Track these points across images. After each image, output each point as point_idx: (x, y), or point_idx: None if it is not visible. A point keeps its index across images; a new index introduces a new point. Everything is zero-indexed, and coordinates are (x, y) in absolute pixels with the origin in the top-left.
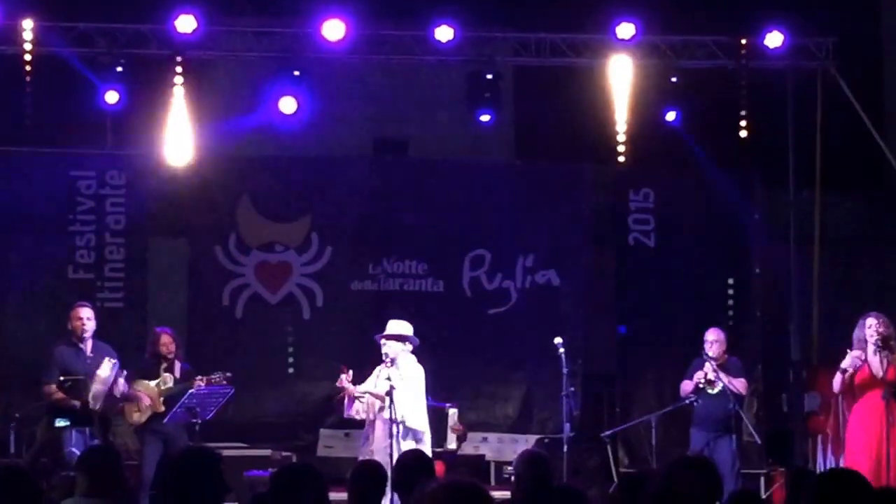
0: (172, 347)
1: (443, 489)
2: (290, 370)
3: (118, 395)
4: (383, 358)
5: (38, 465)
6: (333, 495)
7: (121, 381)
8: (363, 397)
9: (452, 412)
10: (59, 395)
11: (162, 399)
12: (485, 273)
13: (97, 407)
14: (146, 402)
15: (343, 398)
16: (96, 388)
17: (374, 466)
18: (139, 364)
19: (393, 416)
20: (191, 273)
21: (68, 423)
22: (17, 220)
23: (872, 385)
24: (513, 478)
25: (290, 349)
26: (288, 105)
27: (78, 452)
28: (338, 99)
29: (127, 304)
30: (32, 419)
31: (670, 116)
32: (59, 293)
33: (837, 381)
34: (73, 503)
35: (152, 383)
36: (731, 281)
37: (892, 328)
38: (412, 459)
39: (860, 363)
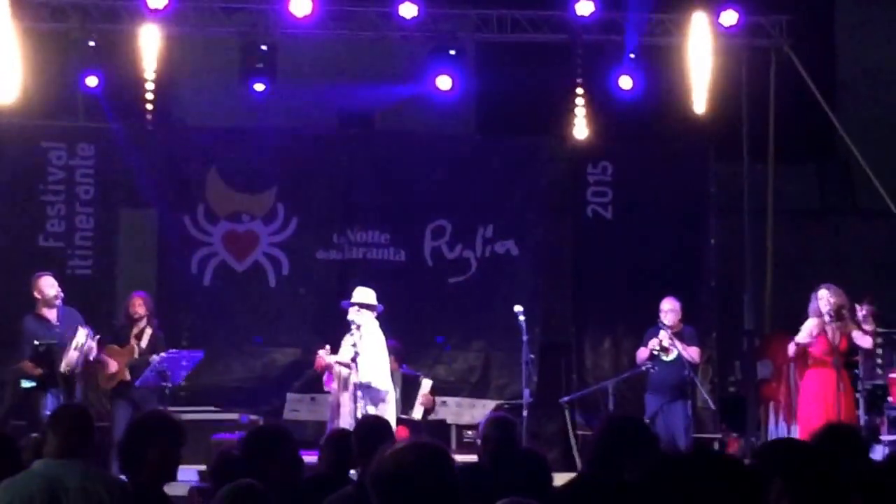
0: (142, 310)
1: (405, 450)
2: (257, 336)
3: (91, 360)
4: (350, 323)
5: (7, 427)
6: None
7: (94, 345)
8: (334, 370)
9: (426, 383)
10: (32, 367)
11: (127, 368)
12: (446, 243)
13: (73, 371)
14: (112, 368)
15: (323, 374)
16: (71, 354)
17: (347, 435)
18: (112, 328)
19: (358, 381)
20: (160, 242)
21: (34, 384)
22: None
23: (826, 354)
24: (479, 440)
25: (257, 316)
26: (257, 85)
27: None
28: (305, 73)
29: (96, 272)
30: (3, 383)
31: (625, 83)
32: (30, 261)
33: (791, 348)
34: (43, 464)
35: (123, 349)
36: (686, 251)
37: (844, 298)
38: (371, 426)
39: (814, 338)
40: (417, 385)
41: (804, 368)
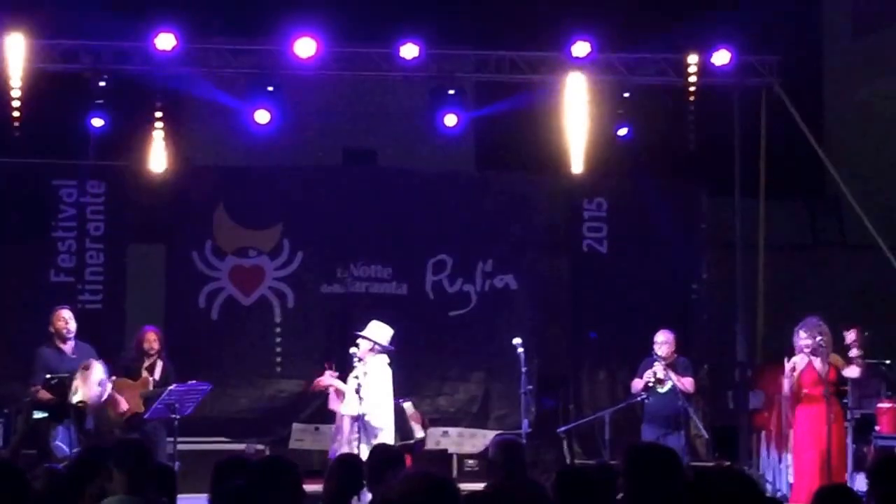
0: (156, 346)
1: (414, 480)
2: (264, 368)
3: (103, 399)
4: (351, 355)
5: (19, 457)
6: (305, 487)
7: (108, 385)
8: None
9: (407, 405)
10: (44, 393)
11: (142, 400)
12: (446, 277)
13: (90, 406)
14: (123, 407)
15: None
16: (93, 390)
17: (353, 460)
18: (122, 360)
19: (357, 413)
20: (168, 276)
21: (45, 415)
22: (3, 225)
23: (814, 386)
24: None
25: (264, 348)
26: (262, 117)
27: (64, 446)
28: (309, 112)
29: (106, 306)
30: (17, 414)
31: (621, 132)
32: (42, 295)
33: (786, 385)
34: (117, 501)
35: (135, 383)
36: (679, 284)
37: (820, 336)
38: (382, 453)
39: (800, 372)
40: (402, 411)
41: (795, 400)
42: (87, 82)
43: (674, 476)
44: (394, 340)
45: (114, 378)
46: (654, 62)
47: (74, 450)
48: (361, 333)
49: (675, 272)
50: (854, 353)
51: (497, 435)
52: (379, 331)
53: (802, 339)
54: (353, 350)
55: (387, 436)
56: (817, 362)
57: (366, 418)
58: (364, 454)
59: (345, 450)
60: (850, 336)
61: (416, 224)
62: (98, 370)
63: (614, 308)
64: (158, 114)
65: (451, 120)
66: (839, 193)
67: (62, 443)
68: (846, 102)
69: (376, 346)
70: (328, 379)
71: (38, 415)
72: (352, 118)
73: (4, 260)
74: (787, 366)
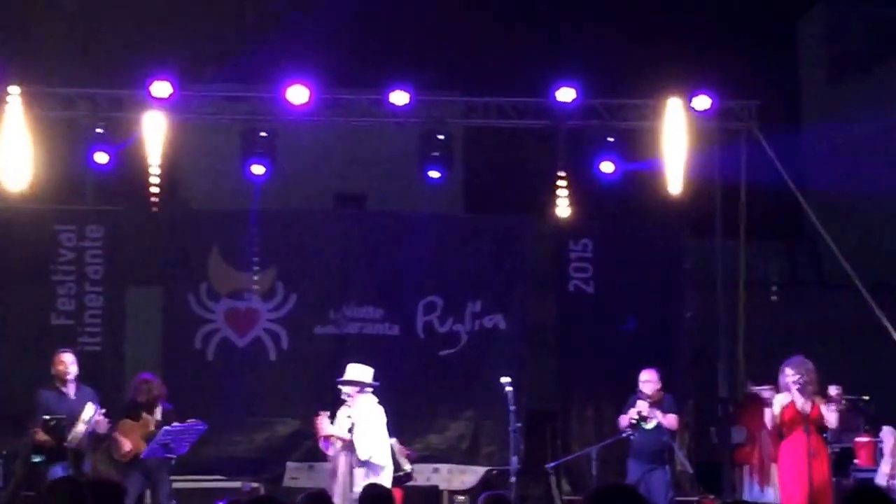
0: (147, 398)
1: None
2: (259, 408)
3: (102, 432)
4: (343, 398)
5: (18, 500)
6: None
7: (102, 420)
8: (332, 438)
9: (392, 441)
10: (42, 436)
11: (144, 441)
12: (437, 317)
13: (78, 445)
14: (127, 447)
15: (320, 439)
16: (79, 427)
17: (319, 496)
18: (123, 406)
19: (355, 456)
20: (165, 319)
21: (43, 458)
22: (4, 269)
23: (797, 422)
24: None
25: (259, 389)
26: (256, 169)
27: None
28: (302, 157)
29: (105, 348)
30: (17, 456)
31: (607, 167)
32: (42, 338)
33: (768, 415)
34: None
35: (136, 424)
36: (663, 323)
37: (808, 374)
38: (372, 494)
39: (784, 407)
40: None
41: (777, 436)
42: (85, 129)
43: None
44: (376, 376)
45: (104, 411)
46: (636, 107)
47: None
48: (342, 380)
49: (658, 311)
50: (834, 406)
51: (485, 494)
52: (358, 371)
53: (788, 376)
54: (345, 390)
55: (389, 473)
56: (799, 401)
57: (372, 460)
58: None
59: (340, 492)
60: (834, 391)
61: (406, 266)
62: (88, 409)
63: (600, 346)
64: (155, 159)
65: (434, 174)
66: (816, 234)
67: None
68: (823, 145)
69: (357, 389)
70: (326, 428)
71: (35, 458)
72: (343, 163)
73: (5, 303)
74: (769, 397)
